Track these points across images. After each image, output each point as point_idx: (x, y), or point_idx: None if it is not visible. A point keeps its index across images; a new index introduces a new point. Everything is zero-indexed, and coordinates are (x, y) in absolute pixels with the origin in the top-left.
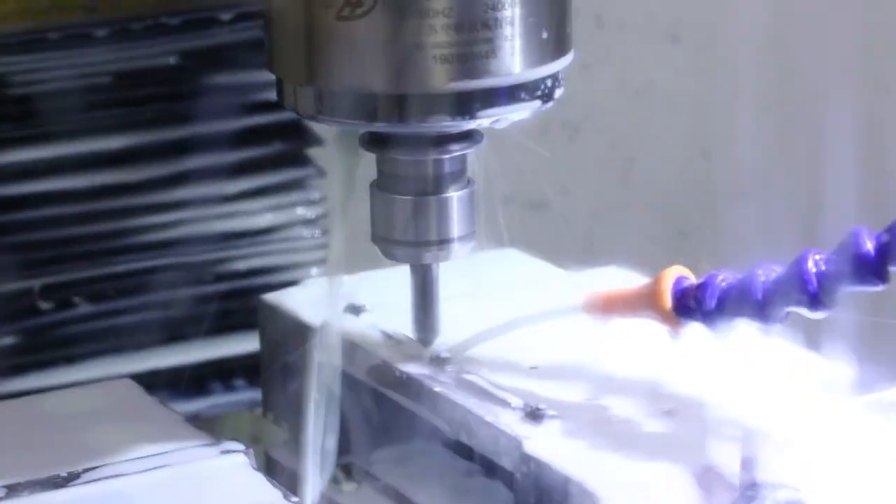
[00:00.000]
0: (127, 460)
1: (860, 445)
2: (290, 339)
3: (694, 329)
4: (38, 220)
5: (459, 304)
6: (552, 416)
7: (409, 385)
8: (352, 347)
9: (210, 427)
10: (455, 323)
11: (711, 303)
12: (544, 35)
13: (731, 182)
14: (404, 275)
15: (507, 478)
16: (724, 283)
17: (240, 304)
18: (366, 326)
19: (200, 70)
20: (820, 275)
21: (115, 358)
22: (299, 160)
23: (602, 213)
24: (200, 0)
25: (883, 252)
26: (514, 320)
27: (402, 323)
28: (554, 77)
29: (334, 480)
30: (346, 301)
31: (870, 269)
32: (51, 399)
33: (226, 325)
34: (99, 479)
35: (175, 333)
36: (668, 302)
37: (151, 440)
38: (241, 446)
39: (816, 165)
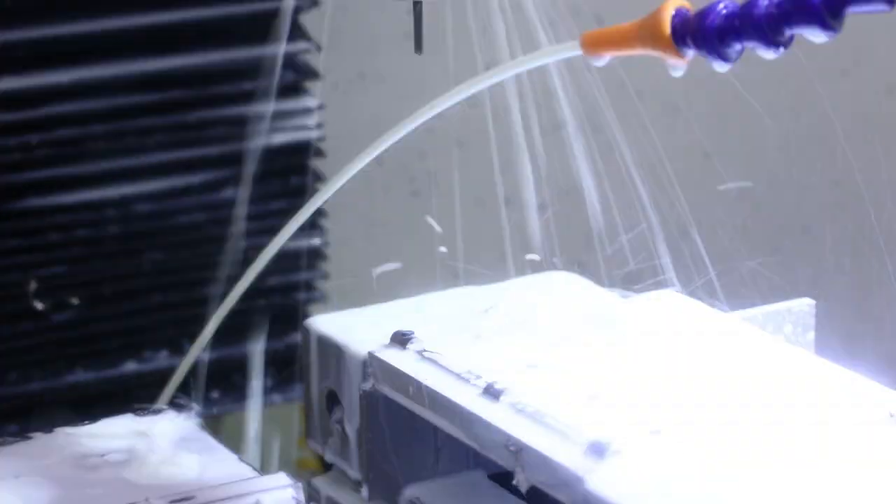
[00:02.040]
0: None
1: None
2: (337, 366)
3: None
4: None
5: (511, 331)
6: (615, 451)
7: (461, 416)
8: (400, 377)
9: (213, 426)
10: (504, 352)
11: (712, 27)
12: None
13: (730, 181)
14: (451, 300)
15: None
16: (725, 10)
17: (241, 306)
18: (414, 354)
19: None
20: None
21: (116, 358)
22: (302, 168)
23: (601, 213)
24: None
25: None
26: (506, 65)
27: (451, 351)
28: None
29: None
30: (392, 328)
31: None
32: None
33: (227, 326)
34: None
35: (178, 335)
36: (666, 29)
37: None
38: (289, 480)
39: (815, 165)
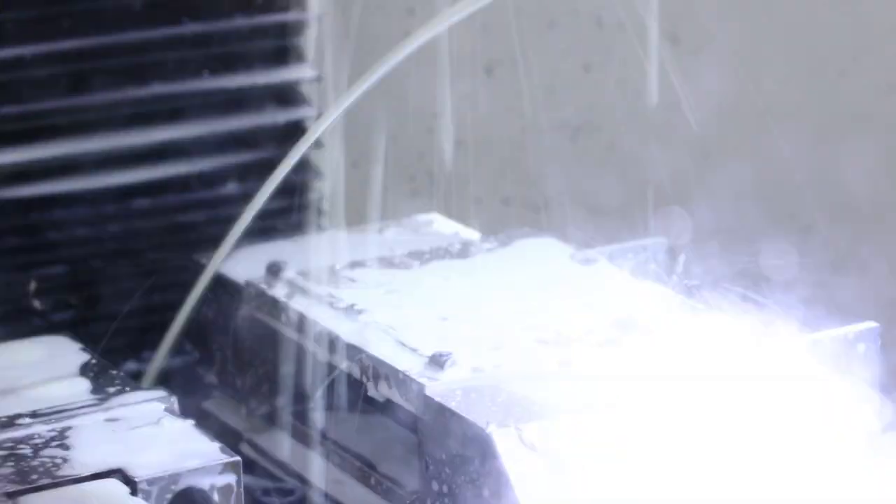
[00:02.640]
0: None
1: None
2: (219, 295)
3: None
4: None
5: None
6: (453, 363)
7: (321, 334)
8: (271, 302)
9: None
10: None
11: None
12: None
13: (730, 182)
14: (326, 242)
15: (411, 422)
16: None
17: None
18: (286, 283)
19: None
20: None
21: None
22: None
23: (601, 212)
24: None
25: None
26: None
27: (320, 282)
28: None
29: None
30: (268, 260)
31: None
32: None
33: None
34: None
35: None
36: None
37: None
38: (165, 393)
39: (815, 165)
